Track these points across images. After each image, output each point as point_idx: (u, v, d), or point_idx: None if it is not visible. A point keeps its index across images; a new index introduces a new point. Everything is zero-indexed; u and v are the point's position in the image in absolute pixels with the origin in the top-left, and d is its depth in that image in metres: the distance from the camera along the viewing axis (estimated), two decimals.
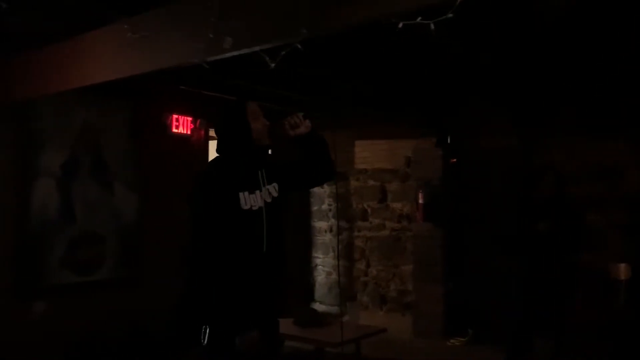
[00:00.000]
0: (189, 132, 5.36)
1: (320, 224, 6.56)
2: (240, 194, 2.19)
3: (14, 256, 4.07)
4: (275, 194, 2.32)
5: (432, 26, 1.87)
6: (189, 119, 5.34)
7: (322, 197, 6.52)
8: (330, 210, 6.47)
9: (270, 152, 2.43)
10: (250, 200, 2.21)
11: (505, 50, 4.02)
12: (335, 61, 4.07)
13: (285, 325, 3.95)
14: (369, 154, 6.23)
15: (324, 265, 6.51)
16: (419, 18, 1.90)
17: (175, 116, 5.23)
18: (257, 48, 2.42)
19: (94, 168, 4.58)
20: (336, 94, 5.18)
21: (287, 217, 2.45)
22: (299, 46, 2.27)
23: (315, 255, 6.57)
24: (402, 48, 3.67)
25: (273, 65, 2.40)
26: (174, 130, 5.25)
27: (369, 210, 6.19)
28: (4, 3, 2.88)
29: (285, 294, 2.51)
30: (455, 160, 5.66)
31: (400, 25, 1.93)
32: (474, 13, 2.62)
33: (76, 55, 3.32)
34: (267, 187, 2.29)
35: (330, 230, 6.46)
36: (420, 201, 5.66)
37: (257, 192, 2.25)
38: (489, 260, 4.79)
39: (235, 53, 2.51)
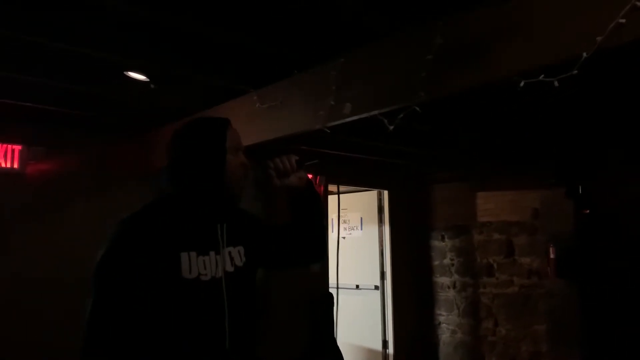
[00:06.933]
0: None
1: (442, 280, 6.36)
2: (183, 255, 1.41)
3: None
4: (239, 263, 1.55)
5: (556, 84, 1.82)
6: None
7: (444, 251, 6.35)
8: (452, 265, 6.27)
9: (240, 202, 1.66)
10: (199, 265, 1.43)
11: None
12: (457, 116, 4.03)
13: None
14: (492, 205, 5.99)
15: (448, 323, 6.26)
16: (542, 76, 1.86)
17: None
18: (376, 112, 2.50)
19: None
20: (457, 146, 5.12)
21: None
22: (417, 108, 2.31)
23: (439, 312, 6.35)
24: (530, 101, 3.55)
25: (391, 127, 2.45)
26: None
27: (495, 265, 5.89)
28: (152, 84, 3.28)
29: None
30: (588, 211, 5.26)
31: (522, 84, 1.90)
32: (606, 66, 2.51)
33: None
34: (229, 249, 1.53)
35: (454, 286, 6.23)
36: (552, 256, 5.29)
37: (212, 253, 1.48)
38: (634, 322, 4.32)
39: (354, 118, 2.61)
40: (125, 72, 3.07)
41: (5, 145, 3.84)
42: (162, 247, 1.40)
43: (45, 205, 3.99)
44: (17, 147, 3.88)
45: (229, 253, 1.53)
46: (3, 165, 3.82)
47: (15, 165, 3.86)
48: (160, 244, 1.39)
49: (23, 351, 3.63)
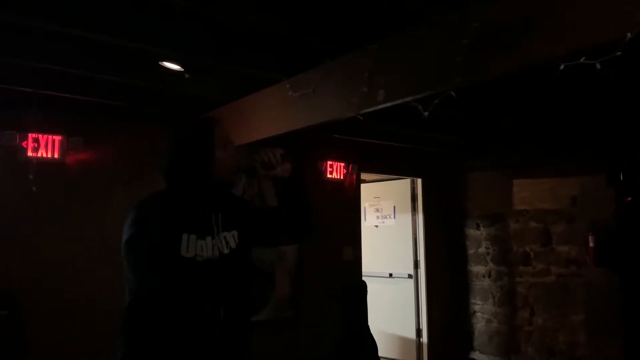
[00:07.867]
0: (341, 177, 5.53)
1: (477, 268, 6.27)
2: (184, 236, 1.63)
3: None
4: (234, 245, 1.74)
5: (598, 66, 1.75)
6: (342, 164, 5.53)
7: (479, 239, 6.26)
8: (488, 253, 6.18)
9: (233, 191, 1.88)
10: (197, 247, 1.64)
11: None
12: (494, 102, 3.95)
13: None
14: (529, 193, 5.87)
15: (482, 312, 6.18)
16: (583, 58, 1.80)
17: (329, 162, 5.45)
18: (409, 98, 2.47)
19: None
20: (493, 133, 5.02)
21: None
22: (453, 93, 2.27)
23: (473, 301, 6.28)
24: (568, 85, 3.45)
25: (426, 113, 2.42)
26: (329, 175, 5.43)
27: (532, 254, 5.78)
28: (186, 73, 3.31)
29: None
30: (630, 198, 5.10)
31: (562, 67, 1.84)
32: None
33: (243, 115, 3.66)
34: (224, 234, 1.73)
35: (489, 275, 6.15)
36: (591, 244, 5.16)
37: (209, 238, 1.69)
38: None
39: (388, 104, 2.59)
40: (160, 62, 3.11)
41: (46, 136, 3.97)
42: (168, 227, 1.61)
43: (84, 194, 4.09)
44: (58, 138, 3.99)
45: (224, 237, 1.72)
46: (44, 155, 3.95)
47: (56, 155, 3.99)
48: (166, 224, 1.62)
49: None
